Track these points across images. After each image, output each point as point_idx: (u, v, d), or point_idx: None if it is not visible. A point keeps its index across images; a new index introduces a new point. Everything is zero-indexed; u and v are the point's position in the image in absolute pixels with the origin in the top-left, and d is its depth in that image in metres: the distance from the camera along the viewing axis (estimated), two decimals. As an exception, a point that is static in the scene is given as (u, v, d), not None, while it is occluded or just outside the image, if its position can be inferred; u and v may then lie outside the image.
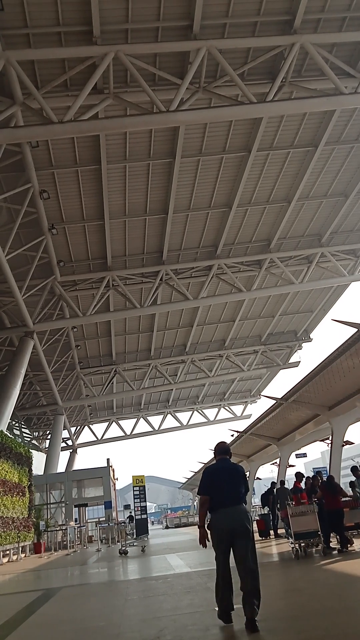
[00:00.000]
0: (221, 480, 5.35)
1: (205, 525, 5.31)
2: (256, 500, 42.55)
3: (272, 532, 16.67)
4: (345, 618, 5.07)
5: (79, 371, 31.73)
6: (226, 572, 5.10)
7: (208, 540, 5.27)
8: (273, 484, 18.24)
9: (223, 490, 5.26)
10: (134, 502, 25.48)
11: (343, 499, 10.89)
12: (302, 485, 12.75)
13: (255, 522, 22.00)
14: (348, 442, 15.43)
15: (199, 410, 44.05)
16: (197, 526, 5.49)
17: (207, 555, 7.67)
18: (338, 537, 10.40)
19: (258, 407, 46.77)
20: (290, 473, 23.52)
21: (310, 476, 14.27)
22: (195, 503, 54.75)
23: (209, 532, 5.25)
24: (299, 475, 13.01)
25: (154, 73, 14.22)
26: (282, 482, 17.42)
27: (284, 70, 14.06)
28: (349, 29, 14.34)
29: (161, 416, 43.07)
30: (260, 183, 19.87)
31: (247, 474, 26.83)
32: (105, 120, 14.53)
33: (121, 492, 67.15)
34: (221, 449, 5.73)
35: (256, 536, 16.44)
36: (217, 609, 5.19)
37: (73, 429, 41.30)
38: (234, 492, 5.24)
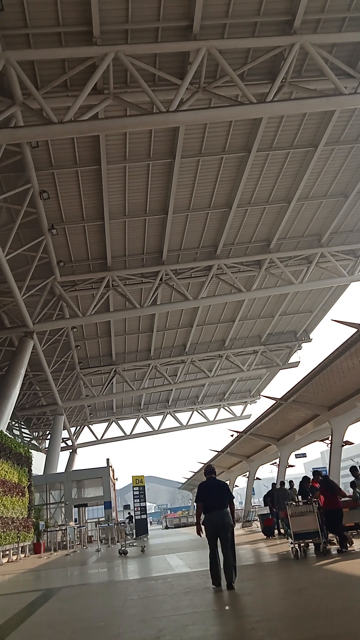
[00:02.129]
0: (210, 492, 7.70)
1: (200, 522, 7.67)
2: (256, 500, 42.63)
3: (276, 531, 16.72)
4: (345, 618, 5.07)
5: (79, 371, 31.74)
6: (215, 553, 7.35)
7: (202, 532, 7.58)
8: (273, 485, 18.32)
9: (211, 499, 7.58)
10: (134, 502, 25.52)
11: (342, 499, 10.87)
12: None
13: (258, 520, 22.27)
14: (348, 442, 15.41)
15: (199, 411, 44.06)
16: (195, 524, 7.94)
17: (206, 556, 7.71)
18: (337, 537, 10.38)
19: (258, 407, 46.87)
20: (291, 473, 23.65)
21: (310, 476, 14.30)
22: (194, 505, 55.34)
23: (203, 527, 7.59)
24: (316, 474, 13.02)
25: (154, 73, 14.24)
26: (282, 483, 17.43)
27: (284, 70, 14.08)
28: (348, 29, 14.36)
29: (161, 416, 43.07)
30: (260, 183, 19.88)
31: (247, 473, 27.10)
32: (105, 121, 14.54)
33: (121, 492, 67.13)
34: (208, 470, 8.22)
35: (260, 535, 16.67)
36: (213, 586, 7.25)
37: (73, 429, 41.30)
38: (219, 501, 7.54)
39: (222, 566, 7.29)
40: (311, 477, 14.16)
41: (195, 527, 7.76)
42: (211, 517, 7.46)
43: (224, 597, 6.80)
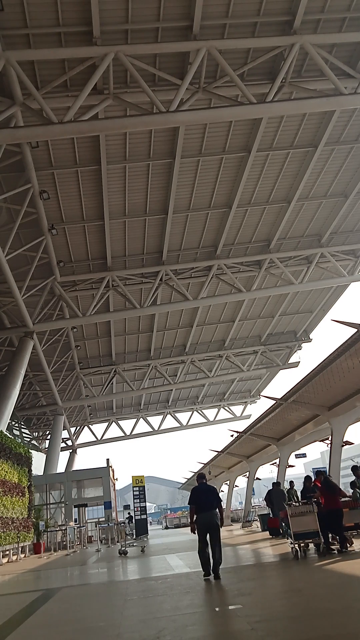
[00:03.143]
0: (201, 496, 8.83)
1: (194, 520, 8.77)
2: (255, 500, 42.64)
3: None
4: (345, 618, 5.07)
5: (79, 371, 31.73)
6: (204, 547, 8.41)
7: (195, 530, 8.64)
8: (274, 484, 18.36)
9: (202, 502, 8.71)
10: (134, 503, 25.55)
11: (342, 499, 10.86)
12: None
13: (258, 520, 22.27)
14: (348, 442, 15.41)
15: (199, 411, 44.05)
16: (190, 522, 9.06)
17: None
18: (337, 537, 10.36)
19: (258, 408, 46.86)
20: (291, 473, 23.67)
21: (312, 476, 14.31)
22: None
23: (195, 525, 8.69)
24: (319, 474, 13.05)
25: (154, 73, 14.24)
26: (278, 484, 17.44)
27: (284, 70, 14.07)
28: (348, 30, 14.36)
29: (161, 416, 43.06)
30: (260, 183, 19.87)
31: (247, 474, 27.14)
32: (105, 121, 14.54)
33: (121, 493, 67.12)
34: (200, 476, 9.52)
35: (266, 534, 16.62)
36: (204, 575, 8.33)
37: (73, 429, 41.30)
38: (208, 503, 8.67)
39: (210, 558, 8.42)
40: (313, 477, 14.17)
41: (190, 526, 8.88)
42: (202, 517, 8.57)
43: (224, 597, 6.81)
